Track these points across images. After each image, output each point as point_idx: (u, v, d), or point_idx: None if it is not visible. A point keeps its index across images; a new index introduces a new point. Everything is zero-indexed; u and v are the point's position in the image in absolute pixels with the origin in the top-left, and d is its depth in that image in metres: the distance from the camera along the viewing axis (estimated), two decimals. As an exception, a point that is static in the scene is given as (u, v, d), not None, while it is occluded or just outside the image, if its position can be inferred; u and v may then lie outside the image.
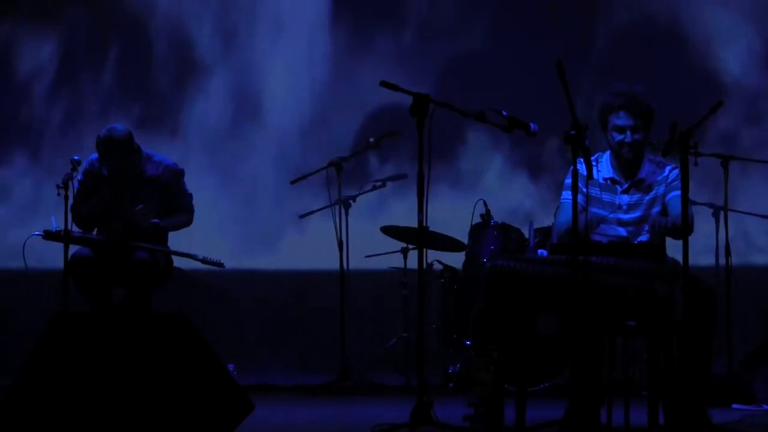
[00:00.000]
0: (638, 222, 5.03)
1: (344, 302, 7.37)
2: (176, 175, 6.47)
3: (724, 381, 6.18)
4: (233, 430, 4.77)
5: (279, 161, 8.34)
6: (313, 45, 8.48)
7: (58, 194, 5.93)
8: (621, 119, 5.00)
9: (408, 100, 4.77)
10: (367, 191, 7.83)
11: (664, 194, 5.04)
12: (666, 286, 4.26)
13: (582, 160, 4.49)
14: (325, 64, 8.46)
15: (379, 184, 7.82)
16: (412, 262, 7.38)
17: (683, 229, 4.50)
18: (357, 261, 7.67)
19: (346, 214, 7.57)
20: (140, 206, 6.19)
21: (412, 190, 4.68)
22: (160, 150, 6.69)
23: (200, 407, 4.73)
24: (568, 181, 5.03)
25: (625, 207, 5.06)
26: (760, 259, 7.90)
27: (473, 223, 7.08)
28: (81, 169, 6.25)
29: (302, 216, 7.67)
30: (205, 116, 8.42)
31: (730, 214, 6.77)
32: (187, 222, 6.51)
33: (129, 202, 6.27)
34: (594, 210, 5.00)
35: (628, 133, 5.01)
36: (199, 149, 8.27)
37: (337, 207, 7.47)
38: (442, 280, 7.33)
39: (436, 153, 4.78)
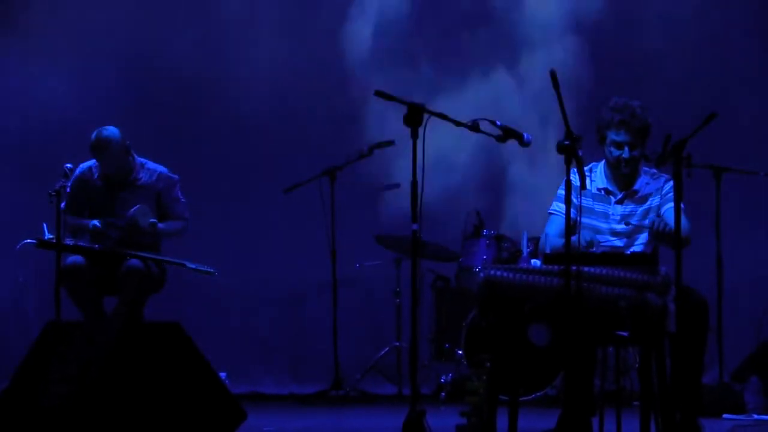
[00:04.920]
0: (632, 233, 5.04)
1: (336, 311, 7.38)
2: (170, 182, 6.47)
3: (715, 391, 6.20)
4: (226, 439, 4.78)
5: (272, 169, 8.34)
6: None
7: (50, 202, 5.91)
8: (620, 135, 4.99)
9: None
10: (361, 200, 7.85)
11: (659, 206, 5.05)
12: (658, 297, 4.27)
13: (576, 170, 4.50)
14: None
15: (372, 193, 7.83)
16: (405, 271, 7.40)
17: (677, 241, 4.50)
18: (350, 270, 7.68)
19: (339, 223, 7.59)
20: (138, 206, 6.20)
21: (406, 199, 4.68)
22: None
23: (193, 416, 4.73)
24: (561, 191, 5.04)
25: (618, 217, 5.07)
26: (750, 270, 7.92)
27: (466, 233, 7.10)
28: (72, 177, 6.23)
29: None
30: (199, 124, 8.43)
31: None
32: (182, 230, 6.51)
33: (123, 209, 6.27)
34: (586, 220, 5.01)
35: (626, 149, 5.00)
36: (194, 157, 8.26)
37: (330, 216, 7.49)
38: (435, 290, 7.35)
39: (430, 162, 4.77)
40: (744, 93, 8.07)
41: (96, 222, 6.27)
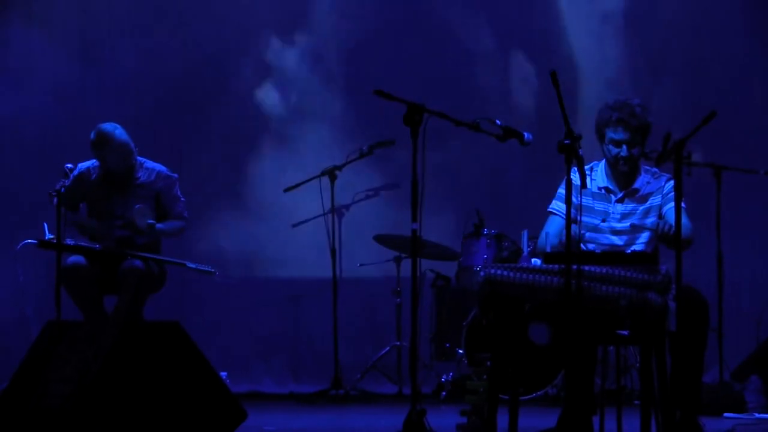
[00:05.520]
0: (632, 231, 5.04)
1: (337, 311, 7.37)
2: (169, 181, 6.45)
3: (716, 390, 6.20)
4: (226, 438, 4.78)
5: (272, 169, 8.34)
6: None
7: (50, 202, 5.91)
8: (618, 134, 4.98)
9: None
10: (361, 200, 7.84)
11: (661, 205, 5.04)
12: (659, 296, 4.27)
13: (576, 169, 4.50)
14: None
15: (372, 193, 7.82)
16: (405, 270, 7.40)
17: (677, 241, 4.49)
18: (350, 269, 7.68)
19: (339, 223, 7.58)
20: (138, 205, 6.21)
21: (406, 198, 4.68)
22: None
23: (194, 415, 4.73)
24: (561, 191, 5.03)
25: (619, 216, 5.07)
26: (750, 269, 7.92)
27: (466, 232, 7.10)
28: (71, 175, 6.23)
29: (295, 225, 7.68)
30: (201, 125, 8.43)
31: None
32: (182, 229, 6.50)
33: (122, 208, 6.26)
34: (586, 219, 5.01)
35: (624, 147, 5.00)
36: (193, 156, 8.25)
37: (330, 215, 7.49)
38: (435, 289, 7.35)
39: (430, 161, 4.77)
40: (744, 92, 8.07)
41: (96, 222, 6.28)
